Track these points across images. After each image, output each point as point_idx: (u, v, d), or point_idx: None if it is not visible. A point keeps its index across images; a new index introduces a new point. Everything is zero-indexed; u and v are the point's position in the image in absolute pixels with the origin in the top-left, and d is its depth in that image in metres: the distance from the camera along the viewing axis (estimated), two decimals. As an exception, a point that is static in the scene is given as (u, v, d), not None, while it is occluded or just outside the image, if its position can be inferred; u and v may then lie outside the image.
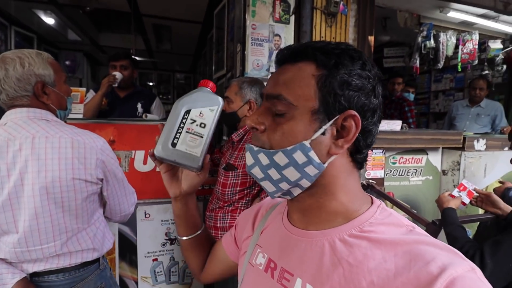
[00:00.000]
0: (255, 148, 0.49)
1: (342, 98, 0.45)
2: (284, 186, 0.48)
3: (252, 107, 1.48)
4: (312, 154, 0.45)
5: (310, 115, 0.45)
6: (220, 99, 0.66)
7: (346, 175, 0.49)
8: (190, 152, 0.62)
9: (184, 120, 0.62)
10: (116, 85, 2.10)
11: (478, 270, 0.39)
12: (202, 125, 0.63)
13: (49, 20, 4.26)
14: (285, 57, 0.50)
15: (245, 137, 1.45)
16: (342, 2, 1.96)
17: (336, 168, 0.48)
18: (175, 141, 0.61)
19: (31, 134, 0.93)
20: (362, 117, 0.46)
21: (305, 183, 0.47)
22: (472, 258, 1.06)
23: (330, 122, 0.46)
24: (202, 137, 0.63)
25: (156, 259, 1.80)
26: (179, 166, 0.64)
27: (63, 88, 1.07)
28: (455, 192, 1.63)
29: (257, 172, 0.50)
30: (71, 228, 0.99)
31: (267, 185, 0.51)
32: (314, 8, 1.95)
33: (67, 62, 5.53)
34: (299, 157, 0.46)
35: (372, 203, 0.50)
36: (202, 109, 0.64)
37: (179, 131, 0.61)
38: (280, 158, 0.46)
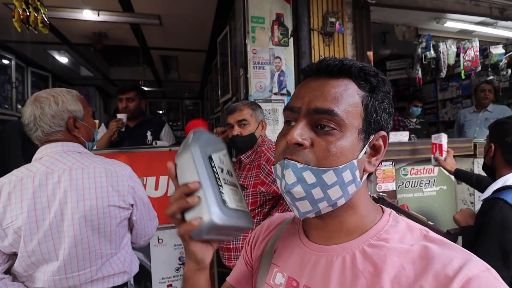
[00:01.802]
0: (299, 165, 0.45)
1: (379, 119, 0.48)
2: (323, 205, 0.47)
3: (264, 127, 1.52)
4: (357, 173, 0.47)
5: (357, 134, 0.46)
6: (220, 138, 0.58)
7: (365, 189, 0.51)
8: (242, 208, 0.51)
9: (214, 169, 0.50)
10: (123, 129, 2.14)
11: (493, 270, 0.40)
12: (230, 173, 0.53)
13: (63, 59, 4.52)
14: (323, 70, 0.49)
15: (254, 157, 1.48)
16: (338, 22, 2.04)
17: (362, 185, 0.50)
18: (225, 199, 0.48)
19: (68, 166, 0.99)
20: (387, 135, 0.50)
21: (341, 202, 0.47)
22: None
23: (369, 141, 0.48)
24: (237, 187, 0.53)
25: (170, 285, 1.79)
26: (235, 232, 0.51)
27: (90, 121, 1.16)
28: (433, 162, 1.91)
29: (298, 191, 0.46)
30: (105, 254, 1.04)
31: (303, 205, 0.47)
32: (311, 29, 2.03)
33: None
34: (347, 176, 0.45)
35: (383, 211, 0.52)
36: (219, 154, 0.53)
37: (219, 183, 0.49)
38: (330, 177, 0.45)
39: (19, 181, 0.95)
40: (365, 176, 0.49)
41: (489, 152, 1.28)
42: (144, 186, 1.73)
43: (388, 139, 0.50)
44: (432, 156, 1.93)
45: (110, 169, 1.05)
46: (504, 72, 3.22)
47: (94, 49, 3.84)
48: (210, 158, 0.51)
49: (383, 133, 0.49)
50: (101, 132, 2.20)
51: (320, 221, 0.51)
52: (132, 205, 1.10)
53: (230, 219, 0.46)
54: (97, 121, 1.96)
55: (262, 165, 1.39)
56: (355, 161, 0.46)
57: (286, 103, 2.03)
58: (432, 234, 0.46)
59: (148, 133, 2.37)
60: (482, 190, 1.57)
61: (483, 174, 2.33)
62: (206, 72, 5.24)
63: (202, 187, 0.46)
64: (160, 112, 7.57)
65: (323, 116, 0.45)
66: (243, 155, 1.49)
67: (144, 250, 1.73)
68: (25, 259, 0.95)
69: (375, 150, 0.49)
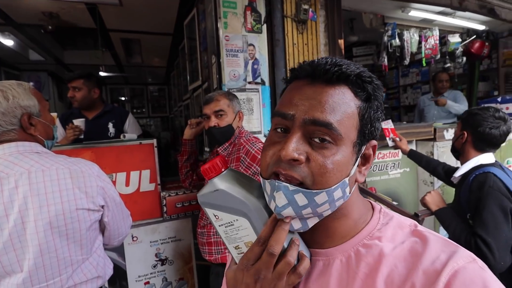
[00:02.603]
0: (291, 188, 0.42)
1: (373, 130, 0.47)
2: (312, 222, 0.46)
3: (241, 117, 1.48)
4: (348, 189, 0.45)
5: (351, 148, 0.44)
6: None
7: (356, 194, 0.51)
8: None
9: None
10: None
11: (479, 260, 0.41)
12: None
13: (8, 42, 4.03)
14: (320, 75, 0.44)
15: (231, 149, 1.45)
16: (311, 9, 2.01)
17: (353, 192, 0.49)
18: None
19: (26, 169, 0.90)
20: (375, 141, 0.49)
21: (327, 213, 0.46)
22: (478, 249, 1.18)
23: (361, 153, 0.47)
24: None
25: (148, 282, 1.74)
26: None
27: (48, 117, 1.05)
28: (390, 143, 2.08)
29: (288, 212, 0.43)
30: (76, 260, 0.97)
31: (295, 223, 0.46)
32: (285, 16, 1.99)
33: (31, 83, 5.24)
34: (337, 194, 0.44)
35: (373, 209, 0.52)
36: None
37: None
38: (322, 197, 0.43)
39: None
40: (354, 187, 0.48)
41: (461, 138, 1.45)
42: (114, 183, 1.63)
43: (377, 146, 0.50)
44: (387, 138, 2.10)
45: (76, 169, 0.97)
46: (460, 60, 3.45)
47: (44, 30, 3.46)
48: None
49: (374, 142, 0.48)
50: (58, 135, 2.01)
51: (312, 230, 0.48)
52: (102, 207, 1.04)
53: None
54: (55, 114, 1.79)
55: (242, 158, 1.37)
56: (346, 179, 0.44)
57: (260, 92, 2.00)
58: (420, 228, 0.48)
59: (110, 125, 2.20)
60: (430, 170, 1.89)
61: (442, 155, 2.53)
62: (172, 56, 4.99)
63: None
64: (123, 99, 7.15)
65: (321, 128, 0.42)
66: (221, 147, 1.46)
67: (118, 249, 1.66)
68: None
69: (365, 159, 0.49)
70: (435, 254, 0.41)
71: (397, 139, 2.07)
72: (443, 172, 1.79)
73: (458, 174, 1.45)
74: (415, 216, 1.52)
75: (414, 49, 3.14)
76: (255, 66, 1.96)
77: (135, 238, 1.70)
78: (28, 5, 3.01)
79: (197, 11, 2.59)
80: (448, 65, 3.57)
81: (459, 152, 1.51)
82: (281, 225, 0.44)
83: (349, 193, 0.47)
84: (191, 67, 3.16)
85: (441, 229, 1.80)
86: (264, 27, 1.98)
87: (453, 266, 0.39)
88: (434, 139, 2.52)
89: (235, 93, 1.67)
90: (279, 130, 0.46)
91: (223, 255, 1.39)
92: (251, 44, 1.94)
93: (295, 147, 0.42)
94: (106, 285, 1.14)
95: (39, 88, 5.31)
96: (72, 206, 0.93)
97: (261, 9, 1.97)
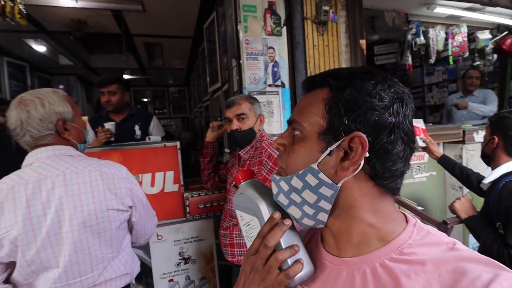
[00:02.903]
0: (277, 177, 0.52)
1: (346, 119, 0.45)
2: (307, 209, 0.49)
3: (262, 121, 1.50)
4: (322, 175, 0.46)
5: (317, 137, 0.47)
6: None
7: (372, 198, 0.47)
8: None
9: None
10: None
11: None
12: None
13: (40, 48, 4.28)
14: (306, 86, 0.53)
15: (253, 153, 1.46)
16: (331, 10, 1.99)
17: (354, 191, 0.47)
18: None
19: (62, 171, 0.96)
20: (375, 136, 0.44)
21: (325, 205, 0.47)
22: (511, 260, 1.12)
23: (336, 144, 0.45)
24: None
25: (172, 280, 1.80)
26: None
27: (80, 122, 1.11)
28: (420, 143, 1.92)
29: (282, 199, 0.51)
30: (106, 257, 1.02)
31: (294, 211, 0.51)
32: (305, 18, 1.98)
33: (61, 87, 5.54)
34: (311, 180, 0.47)
35: (407, 221, 0.49)
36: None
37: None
38: (296, 182, 0.49)
39: (11, 189, 0.91)
40: (342, 180, 0.45)
41: (491, 143, 1.39)
42: (140, 183, 1.70)
43: (389, 141, 0.45)
44: (417, 138, 1.93)
45: (106, 171, 1.02)
46: (490, 57, 3.28)
47: (73, 37, 3.64)
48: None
49: (357, 133, 0.44)
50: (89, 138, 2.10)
51: (329, 228, 0.51)
52: (130, 207, 1.08)
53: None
54: (85, 118, 1.88)
55: (264, 162, 1.38)
56: (314, 165, 0.46)
57: (280, 95, 2.00)
58: (459, 246, 0.44)
59: (136, 127, 2.29)
60: (463, 178, 1.75)
61: (472, 159, 2.43)
62: (192, 58, 5.09)
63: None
64: (145, 100, 7.37)
65: (292, 124, 0.51)
66: (242, 150, 1.48)
67: (144, 247, 1.72)
68: (24, 268, 0.93)
69: (346, 153, 0.45)
70: (476, 274, 0.38)
71: (428, 140, 1.92)
72: (476, 182, 1.66)
73: (487, 180, 1.40)
74: (444, 224, 1.46)
75: (440, 47, 3.02)
76: (275, 69, 1.96)
77: (160, 237, 1.76)
78: (58, 14, 3.18)
79: (217, 14, 2.64)
80: (478, 63, 3.40)
81: (489, 158, 1.45)
82: (280, 224, 0.50)
83: (334, 183, 0.46)
84: (210, 69, 3.21)
85: (471, 237, 1.70)
86: (284, 29, 1.98)
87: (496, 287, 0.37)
88: (463, 142, 2.42)
89: (256, 96, 1.69)
90: None
91: (245, 257, 1.40)
92: (271, 47, 1.94)
93: (279, 138, 0.53)
94: (134, 281, 1.19)
95: (68, 91, 5.58)
96: (103, 207, 0.99)
97: (281, 12, 1.97)
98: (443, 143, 2.46)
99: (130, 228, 1.16)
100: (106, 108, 2.20)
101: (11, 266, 0.96)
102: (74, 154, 1.04)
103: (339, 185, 0.46)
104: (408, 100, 0.47)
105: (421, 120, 2.04)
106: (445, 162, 1.88)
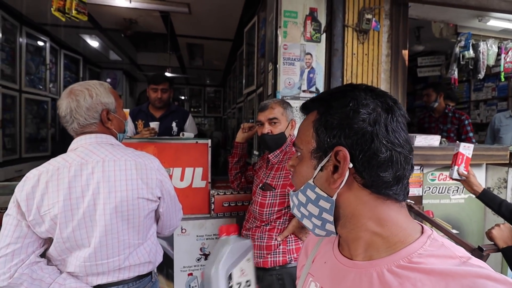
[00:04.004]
0: (292, 193, 0.58)
1: (328, 136, 0.50)
2: (315, 221, 0.54)
3: (294, 126, 1.51)
4: (318, 190, 0.52)
5: (310, 155, 0.53)
6: (249, 241, 0.65)
7: (372, 206, 0.48)
8: None
9: None
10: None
11: None
12: (248, 284, 0.61)
13: (94, 43, 4.64)
14: (302, 111, 0.60)
15: (282, 157, 1.47)
16: (374, 19, 1.95)
17: (351, 200, 0.49)
18: None
19: (101, 158, 1.03)
20: (356, 147, 0.47)
21: (328, 216, 0.52)
22: None
23: (325, 160, 0.50)
24: None
25: (191, 274, 1.85)
26: None
27: (122, 113, 1.19)
28: (455, 175, 1.61)
29: (296, 212, 0.58)
30: (133, 243, 1.07)
31: (307, 223, 0.56)
32: (346, 26, 1.96)
33: (108, 80, 5.96)
34: (311, 194, 0.53)
35: (422, 232, 0.49)
36: (242, 263, 0.62)
37: None
38: (301, 197, 0.55)
39: (56, 170, 0.98)
40: (336, 192, 0.49)
41: None
42: (170, 176, 1.77)
43: (370, 151, 0.47)
44: (456, 168, 1.62)
45: (140, 162, 1.07)
46: (549, 76, 3.00)
47: (124, 34, 3.91)
48: (230, 277, 0.60)
49: (338, 147, 0.48)
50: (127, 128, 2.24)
51: (341, 236, 0.55)
52: (159, 198, 1.13)
53: None
54: (127, 110, 2.01)
55: None
56: (310, 181, 0.52)
57: (314, 101, 1.99)
58: (474, 261, 0.43)
59: (174, 124, 2.41)
60: (511, 218, 1.45)
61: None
62: (230, 61, 5.22)
63: None
64: (183, 98, 7.67)
65: (294, 148, 0.58)
66: (272, 154, 1.49)
67: (168, 239, 1.79)
68: (60, 245, 0.99)
69: (334, 167, 0.49)
70: None
71: (466, 173, 1.60)
72: None
73: None
74: (479, 250, 1.36)
75: (491, 62, 2.82)
76: (311, 75, 1.96)
77: (184, 230, 1.82)
78: (113, 12, 3.43)
79: (258, 19, 2.69)
80: (534, 81, 3.13)
81: None
82: None
83: (329, 196, 0.50)
84: (247, 72, 3.27)
85: (510, 270, 1.53)
86: (323, 36, 1.97)
87: None
88: (509, 165, 2.23)
89: (289, 101, 1.70)
90: None
91: (265, 260, 1.41)
92: (308, 53, 1.94)
93: (289, 161, 0.59)
94: (155, 270, 1.24)
95: (115, 84, 5.98)
96: (134, 195, 1.04)
97: (322, 18, 1.97)
98: (486, 164, 2.29)
99: (157, 219, 1.20)
100: (156, 104, 2.33)
101: (48, 242, 1.03)
102: (114, 143, 1.11)
103: (334, 197, 0.50)
104: (392, 109, 0.49)
105: (471, 146, 1.66)
106: (487, 198, 1.55)
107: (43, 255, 1.04)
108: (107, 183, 1.01)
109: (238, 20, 3.52)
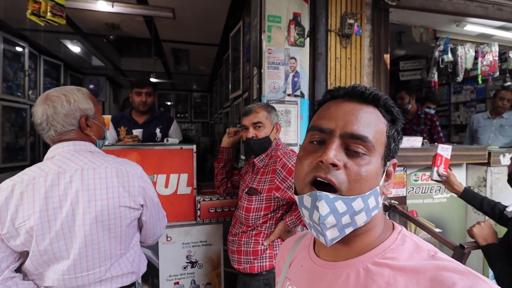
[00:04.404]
0: (331, 196, 0.46)
1: (396, 148, 0.52)
2: (349, 230, 0.48)
3: (278, 129, 1.51)
4: (380, 198, 0.50)
5: (380, 160, 0.50)
6: None
7: (381, 210, 0.52)
8: None
9: None
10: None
11: None
12: None
13: (75, 49, 4.53)
14: (356, 95, 0.51)
15: (268, 161, 1.47)
16: (356, 24, 1.99)
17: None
18: None
19: (80, 166, 0.99)
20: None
21: (362, 223, 0.49)
22: None
23: (387, 167, 0.52)
24: None
25: (177, 283, 1.81)
26: None
27: (101, 119, 1.15)
28: (435, 176, 1.65)
29: (330, 221, 0.47)
30: (115, 254, 1.04)
31: (332, 233, 0.48)
32: (329, 30, 1.99)
33: (91, 86, 5.82)
34: (372, 201, 0.48)
35: (393, 229, 0.53)
36: None
37: None
38: (358, 204, 0.47)
39: (31, 180, 0.95)
40: (381, 199, 0.50)
41: None
42: (154, 183, 1.74)
43: (396, 164, 0.54)
44: (435, 169, 1.65)
45: (121, 169, 1.05)
46: (523, 78, 3.13)
47: (106, 39, 3.84)
48: None
49: (395, 160, 0.53)
50: (109, 135, 2.16)
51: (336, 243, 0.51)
52: (142, 206, 1.10)
53: None
54: (109, 116, 1.97)
55: (278, 170, 1.38)
56: (377, 188, 0.49)
57: (299, 105, 2.01)
58: (440, 254, 0.46)
59: (157, 130, 2.36)
60: (492, 215, 1.52)
61: (496, 182, 2.30)
62: (216, 65, 5.21)
63: None
64: (169, 103, 7.59)
65: (357, 141, 0.48)
66: (257, 158, 1.48)
67: (153, 247, 1.75)
68: (36, 258, 0.95)
69: (387, 175, 0.52)
70: (451, 283, 0.40)
71: (446, 174, 1.64)
72: (499, 211, 1.50)
73: (511, 209, 1.30)
74: (460, 248, 1.39)
75: (469, 66, 2.92)
76: (296, 79, 1.97)
77: (169, 238, 1.78)
78: (95, 17, 3.37)
79: (243, 23, 2.69)
80: (509, 83, 3.25)
81: None
82: None
83: (380, 204, 0.50)
84: (233, 77, 3.27)
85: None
86: (307, 41, 1.99)
87: None
88: (488, 164, 2.30)
89: (274, 105, 1.70)
90: (315, 142, 0.51)
91: (251, 265, 1.40)
92: (292, 57, 1.96)
93: (335, 154, 0.47)
94: (139, 281, 1.20)
95: (98, 90, 5.85)
96: (116, 203, 1.01)
97: (305, 23, 1.99)
98: (466, 164, 2.35)
99: (140, 227, 1.17)
100: (140, 108, 2.28)
101: (23, 255, 0.99)
102: (93, 150, 1.08)
103: (381, 205, 0.50)
104: None
105: (449, 147, 1.69)
106: (469, 197, 1.62)
107: (18, 269, 0.99)
108: (87, 192, 0.98)
109: (223, 25, 3.53)
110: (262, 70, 1.93)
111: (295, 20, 1.96)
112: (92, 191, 0.98)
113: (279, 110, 1.90)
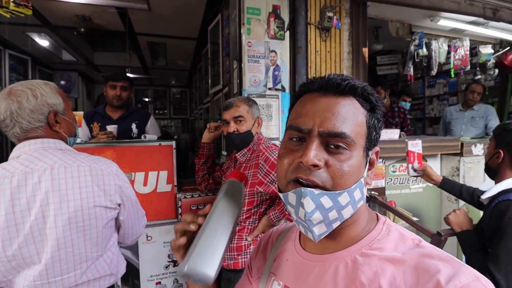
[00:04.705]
0: (316, 192, 0.46)
1: (377, 137, 0.52)
2: (336, 224, 0.48)
3: (260, 123, 1.48)
4: (364, 189, 0.50)
5: (362, 152, 0.49)
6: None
7: (365, 203, 0.53)
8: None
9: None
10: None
11: (483, 278, 0.40)
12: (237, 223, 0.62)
13: (43, 42, 4.28)
14: (332, 87, 0.49)
15: (250, 156, 1.44)
16: (335, 17, 1.99)
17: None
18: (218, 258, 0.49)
19: (49, 165, 0.93)
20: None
21: (349, 216, 0.49)
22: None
23: (369, 157, 0.51)
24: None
25: (159, 282, 1.76)
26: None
27: (71, 115, 1.09)
28: (412, 172, 1.70)
29: (317, 217, 0.47)
30: (91, 256, 0.99)
31: (319, 229, 0.48)
32: (308, 23, 1.98)
33: (62, 82, 5.54)
34: (357, 194, 0.48)
35: (377, 219, 0.53)
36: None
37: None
38: (345, 198, 0.46)
39: None
40: (365, 189, 0.51)
41: (496, 157, 1.32)
42: (132, 182, 1.67)
43: (379, 152, 0.55)
44: (410, 166, 1.70)
45: (96, 167, 0.99)
46: (492, 72, 3.29)
47: (77, 32, 3.64)
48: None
49: (377, 148, 0.53)
50: (81, 131, 2.05)
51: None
52: (119, 205, 1.06)
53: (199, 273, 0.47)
54: (81, 113, 1.86)
55: (261, 165, 1.36)
56: (362, 179, 0.49)
57: (280, 99, 1.99)
58: (424, 243, 0.47)
59: (133, 126, 2.27)
60: (472, 201, 1.60)
61: (469, 172, 2.41)
62: (195, 60, 5.10)
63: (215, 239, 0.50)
64: (146, 100, 7.37)
65: (336, 138, 0.47)
66: (239, 153, 1.45)
67: (132, 248, 1.69)
68: (4, 264, 0.89)
69: (370, 164, 0.52)
70: (436, 270, 0.41)
71: (422, 168, 1.69)
72: (477, 197, 1.58)
73: (485, 196, 1.33)
74: (437, 235, 1.44)
75: (443, 60, 3.03)
76: (276, 73, 1.95)
77: (149, 238, 1.73)
78: (64, 8, 3.19)
79: (222, 17, 2.64)
80: (479, 77, 3.41)
81: (494, 172, 1.37)
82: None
83: (365, 195, 0.50)
84: (213, 71, 3.21)
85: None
86: (287, 34, 1.98)
87: (455, 284, 0.38)
88: (460, 154, 2.40)
89: (255, 99, 1.68)
90: (294, 139, 0.50)
91: (236, 261, 1.38)
92: (273, 51, 1.94)
93: (315, 154, 0.46)
94: (119, 283, 1.16)
95: (69, 86, 5.58)
96: (90, 203, 0.96)
97: (285, 16, 1.97)
98: (441, 154, 2.44)
99: (118, 227, 1.13)
100: (114, 102, 2.17)
101: None
102: (64, 148, 1.01)
103: (365, 196, 0.50)
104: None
105: (419, 142, 1.72)
106: (448, 186, 1.66)
107: None
108: (58, 192, 0.92)
109: (201, 18, 3.44)
110: (242, 64, 1.89)
111: (275, 12, 1.94)
112: (63, 191, 0.92)
113: (260, 104, 1.88)
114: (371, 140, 0.50)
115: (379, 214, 0.54)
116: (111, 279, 1.06)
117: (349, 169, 0.46)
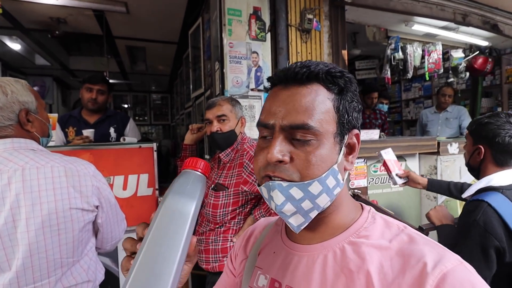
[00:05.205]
0: (285, 184, 0.46)
1: (351, 119, 0.49)
2: (314, 214, 0.48)
3: (243, 123, 1.47)
4: (340, 176, 0.48)
5: (333, 139, 0.47)
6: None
7: (345, 187, 0.52)
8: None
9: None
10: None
11: (466, 263, 0.41)
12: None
13: (15, 46, 4.09)
14: (292, 78, 0.48)
15: (234, 155, 1.42)
16: (315, 19, 2.03)
17: (344, 184, 0.51)
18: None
19: (20, 166, 0.87)
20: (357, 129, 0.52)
21: (327, 204, 0.48)
22: None
23: (344, 142, 0.49)
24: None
25: (141, 291, 1.68)
26: None
27: (44, 115, 1.03)
28: (399, 181, 1.60)
29: (288, 209, 0.47)
30: (66, 262, 0.93)
31: (296, 220, 0.48)
32: (289, 25, 2.00)
33: (35, 88, 5.30)
34: (331, 181, 0.47)
35: (362, 209, 0.53)
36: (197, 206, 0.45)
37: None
38: (316, 187, 0.46)
39: None
40: (345, 175, 0.50)
41: (477, 154, 1.21)
42: (111, 186, 1.60)
43: (359, 135, 0.53)
44: (393, 174, 1.63)
45: (71, 167, 0.94)
46: (463, 75, 3.46)
47: (51, 35, 3.51)
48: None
49: (355, 131, 0.51)
50: (55, 136, 1.95)
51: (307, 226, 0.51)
52: (97, 207, 1.00)
53: None
54: (55, 115, 1.78)
55: (245, 164, 1.34)
56: (335, 166, 0.47)
57: (263, 99, 1.99)
58: (409, 229, 0.48)
59: (111, 130, 2.18)
60: (459, 194, 1.53)
61: (446, 170, 2.50)
62: (175, 65, 5.04)
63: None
64: (126, 106, 7.19)
65: (298, 130, 0.46)
66: (223, 153, 1.43)
67: (112, 255, 1.61)
68: None
69: (350, 148, 0.51)
70: (421, 255, 0.41)
71: (405, 174, 1.62)
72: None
73: (465, 195, 1.26)
74: (420, 229, 1.47)
75: (417, 63, 3.15)
76: (258, 74, 1.95)
77: (130, 244, 1.66)
78: (36, 10, 3.07)
79: (202, 20, 2.63)
80: (451, 80, 3.58)
81: (478, 171, 1.26)
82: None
83: (343, 181, 0.49)
84: (194, 76, 3.17)
85: None
86: (268, 35, 1.99)
87: (441, 269, 0.39)
88: (437, 153, 2.48)
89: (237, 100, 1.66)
90: (266, 137, 0.50)
91: (220, 263, 1.34)
92: (254, 52, 1.94)
93: (278, 149, 0.46)
94: (97, 291, 1.09)
95: (43, 92, 5.35)
96: (65, 205, 0.90)
97: (266, 17, 1.98)
98: (419, 153, 2.52)
99: (96, 232, 1.07)
100: (89, 106, 2.07)
101: None
102: (36, 148, 0.96)
103: (344, 182, 0.49)
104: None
105: (389, 150, 1.69)
106: (435, 187, 1.59)
107: None
108: (29, 194, 0.86)
109: (181, 21, 3.41)
110: (224, 65, 1.88)
111: (256, 14, 1.95)
112: (36, 193, 0.87)
113: (243, 105, 1.86)
114: (344, 124, 0.48)
115: (363, 204, 0.54)
116: (88, 286, 1.00)
117: (316, 159, 0.45)
